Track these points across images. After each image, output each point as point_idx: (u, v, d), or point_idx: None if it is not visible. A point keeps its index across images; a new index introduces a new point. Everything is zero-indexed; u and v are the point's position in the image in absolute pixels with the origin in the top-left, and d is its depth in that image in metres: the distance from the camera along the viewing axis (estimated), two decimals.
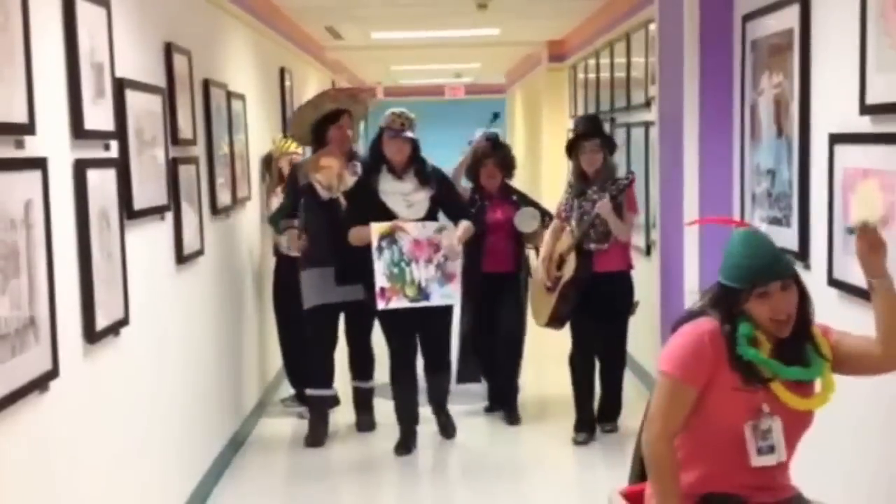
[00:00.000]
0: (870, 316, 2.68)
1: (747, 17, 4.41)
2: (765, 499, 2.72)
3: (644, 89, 6.66)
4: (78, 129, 3.17)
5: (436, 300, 5.20)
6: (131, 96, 3.72)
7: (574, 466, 5.33)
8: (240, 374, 5.68)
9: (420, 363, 5.53)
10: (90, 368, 3.27)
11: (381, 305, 5.16)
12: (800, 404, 2.66)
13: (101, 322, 3.32)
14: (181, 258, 4.42)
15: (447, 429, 5.62)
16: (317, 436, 5.57)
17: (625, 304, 5.45)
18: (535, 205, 6.03)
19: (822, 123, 3.53)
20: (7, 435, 2.65)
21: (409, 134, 5.15)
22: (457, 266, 5.25)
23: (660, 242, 5.91)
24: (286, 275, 5.87)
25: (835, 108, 3.43)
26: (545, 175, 11.29)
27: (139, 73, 3.90)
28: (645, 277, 6.10)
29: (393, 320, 5.29)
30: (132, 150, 3.73)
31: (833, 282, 3.36)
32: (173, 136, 4.35)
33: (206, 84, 5.08)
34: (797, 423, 2.70)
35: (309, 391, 5.72)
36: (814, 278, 3.50)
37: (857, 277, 3.07)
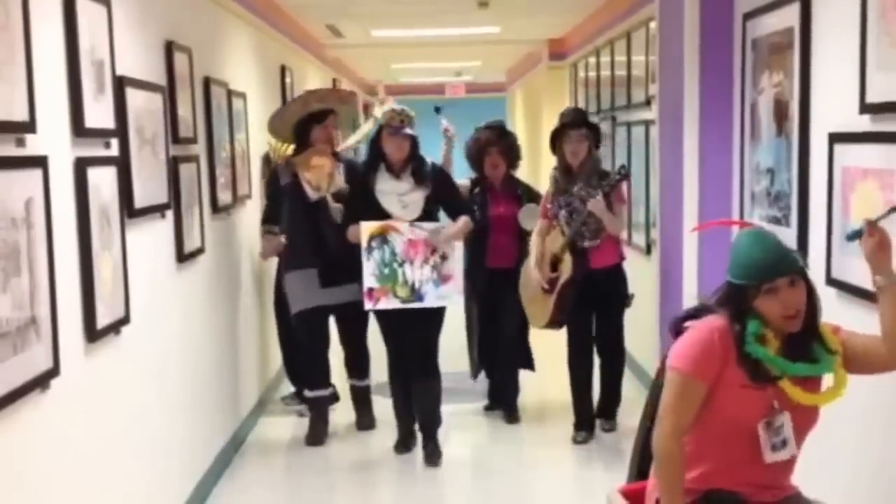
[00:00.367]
0: (869, 315, 2.69)
1: (748, 16, 4.41)
2: (765, 497, 2.73)
3: (644, 88, 6.66)
4: (78, 128, 3.18)
5: (430, 301, 5.12)
6: (132, 94, 3.72)
7: (573, 465, 5.33)
8: (240, 373, 5.68)
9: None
10: (91, 367, 3.28)
11: (368, 306, 5.11)
12: (808, 399, 2.67)
13: (102, 320, 3.32)
14: (182, 256, 4.43)
15: (432, 456, 5.22)
16: (317, 435, 5.57)
17: (621, 296, 5.42)
18: (540, 198, 5.88)
19: (822, 122, 3.54)
20: (8, 433, 2.65)
21: (408, 131, 5.08)
22: (454, 266, 5.16)
23: (659, 241, 5.91)
24: None
25: (835, 106, 3.43)
26: (545, 173, 11.28)
27: (140, 71, 3.90)
28: (644, 276, 6.10)
29: (387, 321, 5.24)
30: (133, 148, 3.73)
31: (831, 281, 3.36)
32: (174, 135, 4.35)
33: (207, 82, 5.08)
34: (804, 420, 2.72)
35: (307, 393, 5.72)
36: (812, 277, 3.49)
37: (856, 277, 3.08)
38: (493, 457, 5.43)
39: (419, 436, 5.39)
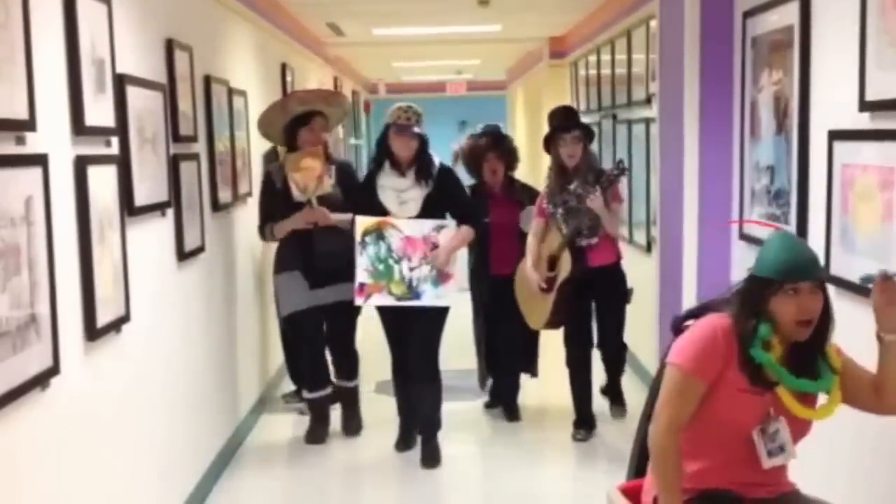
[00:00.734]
0: (866, 312, 2.69)
1: (748, 14, 4.41)
2: (761, 494, 2.74)
3: (645, 86, 6.66)
4: (79, 126, 3.18)
5: (427, 300, 5.04)
6: (132, 92, 3.72)
7: (573, 463, 5.33)
8: (241, 370, 5.68)
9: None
10: (91, 365, 3.28)
11: (358, 301, 5.06)
12: (803, 413, 2.68)
13: (102, 319, 3.32)
14: (182, 255, 4.43)
15: (430, 459, 5.17)
16: (317, 434, 5.56)
17: (620, 293, 5.39)
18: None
19: (822, 120, 3.54)
20: (8, 432, 2.65)
21: (416, 129, 4.99)
22: (454, 266, 5.09)
23: (660, 239, 5.91)
24: None
25: (834, 104, 3.43)
26: (546, 172, 11.27)
27: (140, 70, 3.90)
28: (645, 274, 6.10)
29: (384, 318, 5.22)
30: (133, 146, 3.73)
31: (830, 278, 3.36)
32: (174, 133, 4.35)
33: (208, 80, 5.08)
34: (797, 429, 2.72)
35: (306, 395, 5.69)
36: None
37: (854, 274, 3.08)
38: (493, 455, 5.44)
39: (416, 439, 5.36)
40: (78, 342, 3.17)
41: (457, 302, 5.19)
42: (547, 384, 6.27)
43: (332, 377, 5.70)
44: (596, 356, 5.58)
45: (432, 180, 5.07)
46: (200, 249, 4.75)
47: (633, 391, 5.95)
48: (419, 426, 5.31)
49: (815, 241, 3.56)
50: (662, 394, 2.75)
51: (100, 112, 3.35)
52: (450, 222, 5.09)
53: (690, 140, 5.04)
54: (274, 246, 5.57)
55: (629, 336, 5.70)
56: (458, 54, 14.29)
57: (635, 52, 7.07)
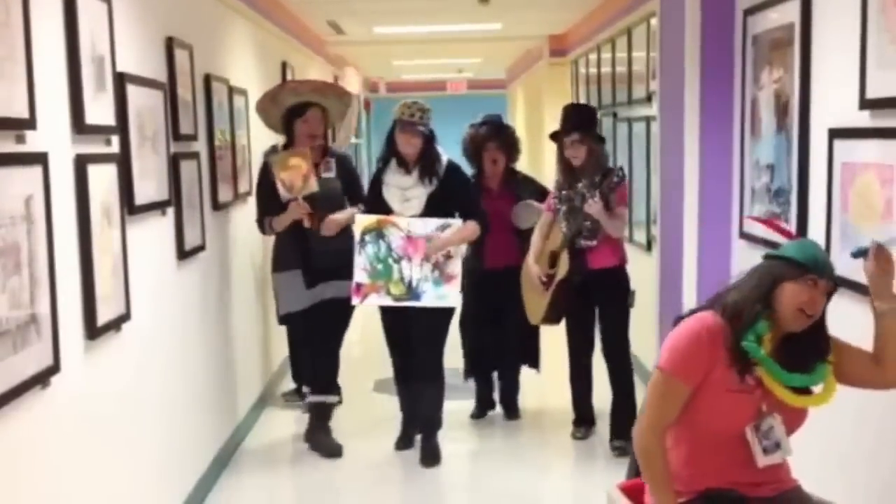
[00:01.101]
0: (865, 310, 2.69)
1: (748, 12, 4.41)
2: (765, 493, 2.73)
3: (645, 84, 6.66)
4: (79, 124, 3.18)
5: (428, 301, 4.94)
6: (132, 91, 3.72)
7: (573, 461, 5.33)
8: (241, 369, 5.68)
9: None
10: (92, 364, 3.28)
11: (355, 301, 4.99)
12: (797, 401, 2.68)
13: (103, 317, 3.32)
14: (182, 254, 4.43)
15: (430, 458, 5.15)
16: (324, 444, 5.37)
17: (619, 298, 5.25)
18: (544, 190, 5.79)
19: (822, 118, 3.54)
20: (8, 430, 2.65)
21: (421, 127, 4.91)
22: (457, 266, 5.00)
23: (660, 238, 5.91)
24: None
25: (835, 102, 3.43)
26: (547, 170, 11.29)
27: (140, 68, 3.90)
28: (645, 273, 6.10)
29: (385, 319, 5.16)
30: (133, 145, 3.73)
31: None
32: (174, 132, 4.35)
33: (208, 79, 5.08)
34: (793, 420, 2.72)
35: (309, 398, 5.51)
36: None
37: (855, 272, 3.08)
38: (493, 454, 5.43)
39: (416, 438, 5.34)
40: (78, 341, 3.17)
41: (456, 304, 5.16)
42: (547, 383, 6.26)
43: (308, 390, 5.50)
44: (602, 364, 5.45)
45: (437, 178, 4.99)
46: (201, 248, 4.75)
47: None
48: (419, 425, 5.29)
49: (816, 239, 3.56)
50: (647, 395, 2.76)
51: (100, 110, 3.35)
52: (455, 221, 5.00)
53: (691, 138, 5.04)
54: (272, 243, 5.51)
55: (631, 337, 5.67)
56: (458, 53, 14.29)
57: (636, 50, 7.07)
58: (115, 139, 3.55)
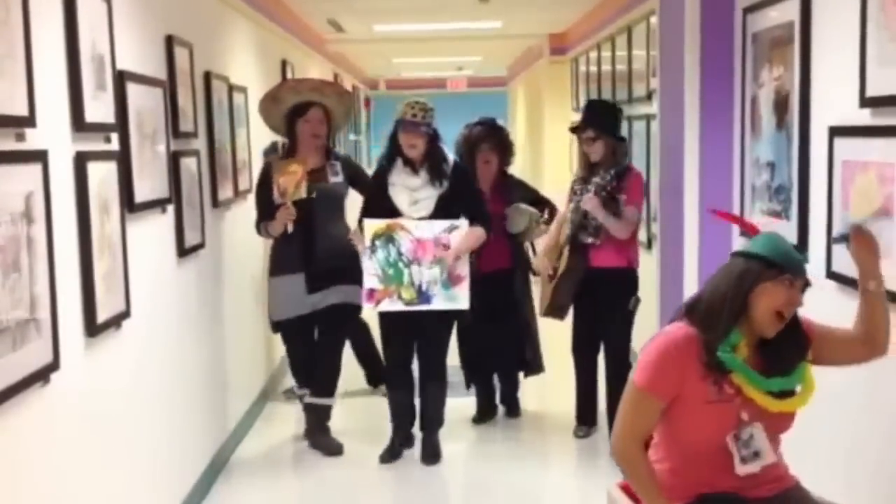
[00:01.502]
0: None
1: (748, 10, 4.40)
2: (763, 493, 2.73)
3: (645, 82, 6.65)
4: (79, 122, 3.18)
5: (438, 304, 4.89)
6: (132, 89, 3.72)
7: (574, 459, 5.34)
8: (242, 366, 5.69)
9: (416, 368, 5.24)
10: (91, 361, 3.28)
11: (368, 307, 4.92)
12: (777, 406, 2.66)
13: (102, 315, 3.32)
14: (182, 251, 4.43)
15: (431, 456, 5.15)
16: (325, 443, 5.39)
17: (618, 302, 5.20)
18: (536, 195, 5.82)
19: (823, 116, 3.53)
20: (8, 428, 2.65)
21: (424, 127, 4.84)
22: (465, 267, 4.92)
23: (660, 235, 5.91)
24: None
25: (835, 100, 3.42)
26: (547, 168, 11.30)
27: (140, 66, 3.90)
28: (645, 271, 6.09)
29: (390, 323, 5.03)
30: (133, 143, 3.73)
31: (832, 274, 3.36)
32: (174, 129, 4.35)
33: (208, 77, 5.08)
34: (778, 424, 2.70)
35: (305, 398, 5.49)
36: (813, 270, 3.49)
37: (855, 270, 3.08)
38: (494, 452, 5.44)
39: (417, 437, 5.32)
40: (78, 338, 3.17)
41: (465, 306, 5.06)
42: (548, 381, 6.26)
43: (307, 392, 5.47)
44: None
45: (447, 180, 4.92)
46: (200, 246, 4.75)
47: None
48: (422, 422, 5.27)
49: (817, 237, 3.56)
50: (620, 408, 2.76)
51: (100, 108, 3.35)
52: (462, 223, 4.92)
53: (691, 136, 5.04)
54: (271, 242, 5.49)
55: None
56: (458, 51, 14.29)
57: (636, 48, 7.06)
58: (115, 137, 3.55)
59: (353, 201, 5.41)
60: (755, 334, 2.66)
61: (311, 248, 5.16)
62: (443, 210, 4.91)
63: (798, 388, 2.71)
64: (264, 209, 5.23)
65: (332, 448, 5.37)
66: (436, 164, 4.90)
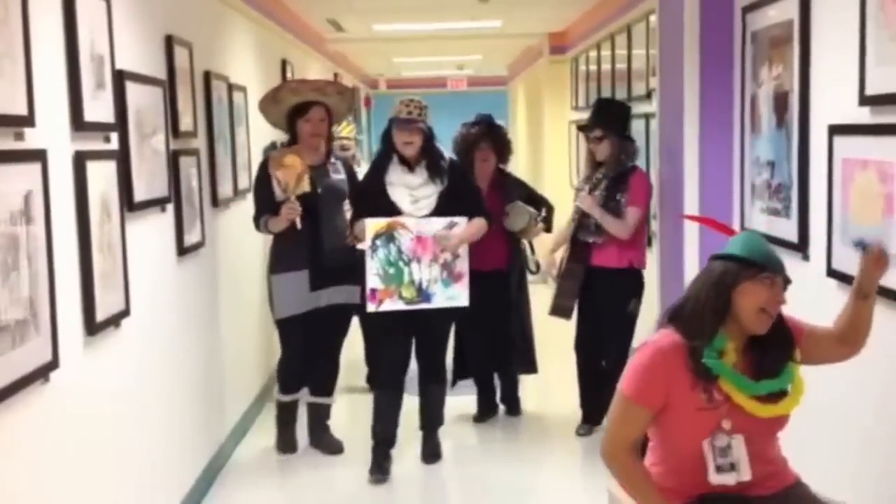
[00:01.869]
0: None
1: (747, 9, 4.40)
2: (762, 491, 2.72)
3: (645, 81, 6.65)
4: (78, 121, 3.18)
5: (439, 302, 4.83)
6: (132, 88, 3.72)
7: (575, 457, 5.33)
8: (242, 365, 5.69)
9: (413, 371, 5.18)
10: (91, 360, 3.28)
11: (371, 308, 4.82)
12: (766, 411, 2.65)
13: (102, 314, 3.33)
14: (182, 250, 4.43)
15: (431, 454, 5.16)
16: (289, 442, 5.39)
17: (617, 303, 5.20)
18: (534, 194, 5.81)
19: (822, 115, 3.53)
20: (7, 426, 2.65)
21: (419, 124, 4.79)
22: (465, 264, 4.86)
23: (660, 234, 5.91)
24: None
25: (834, 99, 3.42)
26: (547, 167, 11.29)
27: (140, 65, 3.90)
28: (645, 270, 6.09)
29: (386, 324, 4.89)
30: (132, 142, 3.73)
31: (832, 272, 3.36)
32: (174, 129, 4.35)
33: (207, 76, 5.08)
34: (771, 426, 2.69)
35: (278, 396, 5.39)
36: (813, 269, 3.51)
37: (855, 269, 3.08)
38: (494, 450, 5.44)
39: (417, 437, 5.28)
40: (77, 337, 3.17)
41: (465, 304, 5.02)
42: (548, 380, 6.26)
43: (307, 391, 5.43)
44: None
45: (446, 177, 4.88)
46: (200, 244, 4.75)
47: None
48: (422, 421, 5.25)
49: (817, 235, 3.56)
50: (608, 417, 2.76)
51: (99, 108, 3.35)
52: (462, 220, 4.88)
53: (690, 135, 5.04)
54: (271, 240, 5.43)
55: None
56: (458, 50, 14.28)
57: (635, 47, 7.06)
58: (115, 136, 3.55)
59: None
60: (743, 336, 2.66)
61: (317, 245, 5.11)
62: (443, 207, 4.87)
63: (789, 389, 2.71)
64: (263, 204, 5.17)
65: (332, 446, 5.38)
66: (434, 162, 4.86)
